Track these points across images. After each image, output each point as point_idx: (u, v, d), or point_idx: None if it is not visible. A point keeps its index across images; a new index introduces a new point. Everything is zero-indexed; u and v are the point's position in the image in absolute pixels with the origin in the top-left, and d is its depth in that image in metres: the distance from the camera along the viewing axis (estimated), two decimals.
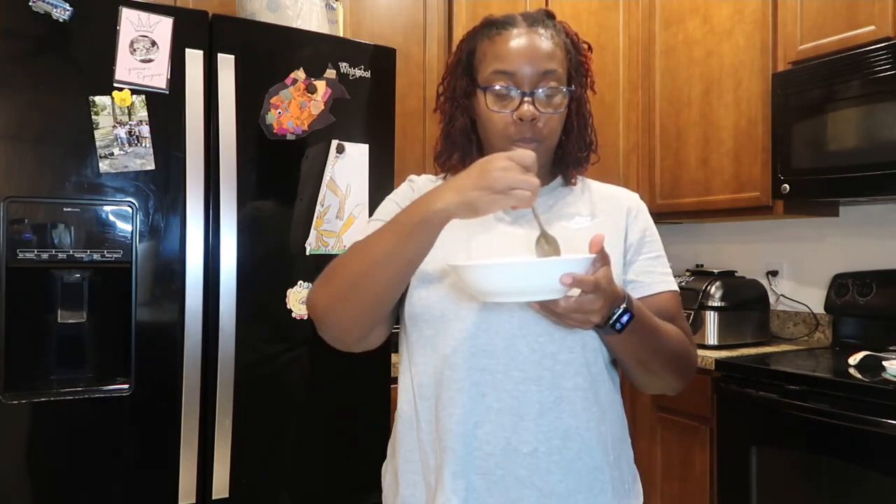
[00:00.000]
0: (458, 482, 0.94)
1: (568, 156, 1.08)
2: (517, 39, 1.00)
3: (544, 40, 1.00)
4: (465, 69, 1.05)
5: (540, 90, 0.98)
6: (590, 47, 1.09)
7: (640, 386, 1.05)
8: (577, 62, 1.05)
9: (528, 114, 0.97)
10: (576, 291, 0.81)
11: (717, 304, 2.41)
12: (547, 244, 0.90)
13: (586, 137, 1.08)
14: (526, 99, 0.98)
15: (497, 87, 0.99)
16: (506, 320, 0.96)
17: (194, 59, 1.72)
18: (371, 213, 1.93)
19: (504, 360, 0.95)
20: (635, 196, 1.13)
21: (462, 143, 1.07)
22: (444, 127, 1.09)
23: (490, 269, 0.81)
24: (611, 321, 0.87)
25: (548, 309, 0.83)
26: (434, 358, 0.99)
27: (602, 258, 0.83)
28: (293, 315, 1.85)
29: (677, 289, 1.07)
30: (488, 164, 0.83)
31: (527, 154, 0.82)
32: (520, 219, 1.05)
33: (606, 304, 0.83)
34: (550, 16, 1.06)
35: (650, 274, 1.04)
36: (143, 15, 1.68)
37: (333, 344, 1.02)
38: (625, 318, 0.87)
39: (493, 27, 1.03)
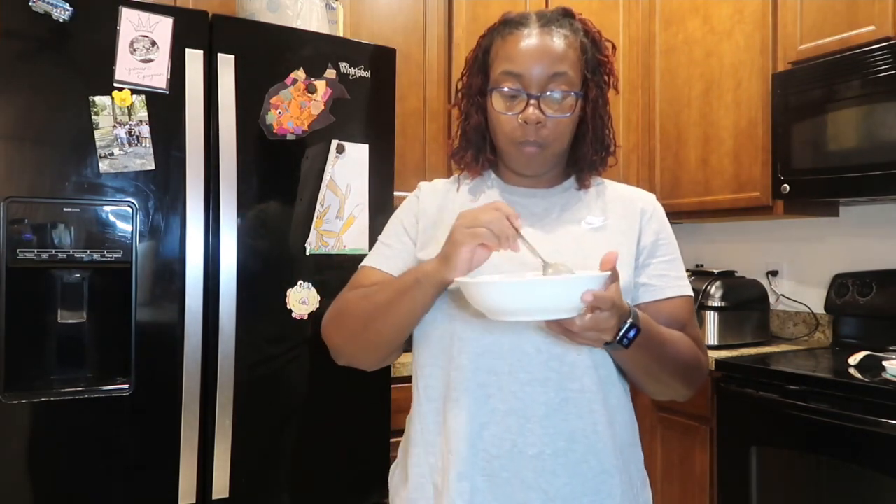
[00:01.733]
0: (463, 484, 0.94)
1: (582, 159, 1.05)
2: (528, 40, 0.97)
3: (556, 41, 0.97)
4: (480, 67, 1.04)
5: (548, 93, 0.96)
6: (614, 47, 1.06)
7: (648, 394, 1.05)
8: (595, 62, 1.02)
9: (533, 117, 0.96)
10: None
11: (717, 304, 2.41)
12: (552, 271, 0.86)
13: (604, 139, 1.05)
14: (532, 102, 0.96)
15: (504, 89, 0.98)
16: (512, 321, 0.93)
17: (194, 59, 1.72)
18: (371, 213, 1.95)
19: (510, 360, 0.95)
20: (651, 197, 1.10)
21: (476, 141, 1.06)
22: (461, 124, 1.08)
23: (504, 287, 0.78)
24: (618, 337, 0.85)
25: (559, 327, 0.81)
26: (441, 359, 0.99)
27: (613, 274, 0.82)
28: (293, 315, 1.85)
29: (691, 294, 1.05)
30: (455, 221, 0.88)
31: (495, 205, 0.86)
32: (536, 222, 1.04)
33: (618, 321, 0.83)
34: (568, 14, 1.03)
35: (663, 278, 1.03)
36: (143, 15, 1.67)
37: (349, 366, 1.07)
38: (631, 334, 0.85)
39: (507, 26, 1.01)
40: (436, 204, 1.08)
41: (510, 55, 0.98)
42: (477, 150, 1.06)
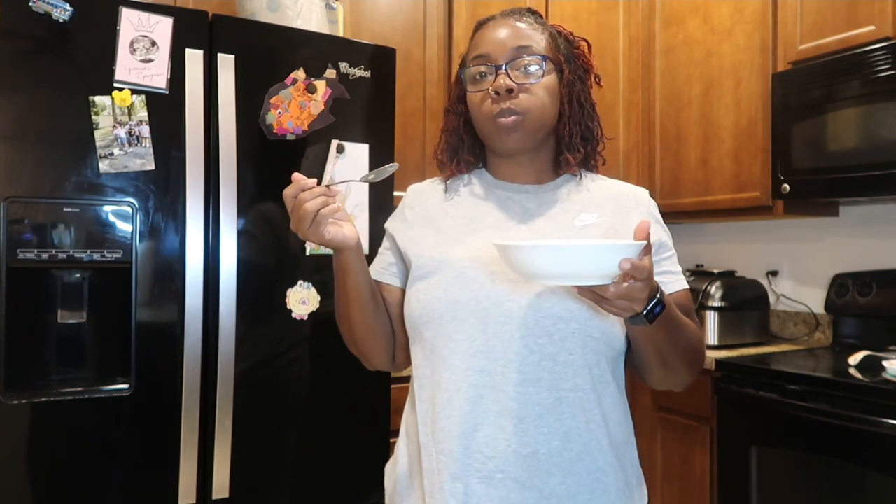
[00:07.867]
0: (457, 485, 0.94)
1: (560, 141, 1.07)
2: (493, 27, 1.06)
3: (519, 24, 1.05)
4: (459, 76, 1.11)
5: (515, 60, 1.02)
6: (589, 46, 1.11)
7: (651, 382, 1.04)
8: (570, 54, 1.08)
9: (503, 85, 1.00)
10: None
11: (717, 304, 2.41)
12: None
13: (581, 122, 1.07)
14: (500, 72, 1.01)
15: (474, 70, 1.04)
16: (503, 322, 0.95)
17: (194, 59, 1.72)
18: (371, 214, 1.95)
19: (502, 361, 0.95)
20: (644, 194, 1.10)
21: (452, 143, 1.12)
22: (441, 129, 1.14)
23: (543, 250, 0.80)
24: (645, 311, 0.86)
25: (591, 294, 0.81)
26: (433, 360, 0.99)
27: (647, 245, 0.82)
28: (293, 315, 1.85)
29: (688, 286, 1.07)
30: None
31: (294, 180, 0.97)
32: (528, 218, 1.05)
33: (649, 293, 0.83)
34: (532, 12, 1.10)
35: (660, 275, 1.01)
36: (143, 15, 1.67)
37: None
38: (657, 309, 0.86)
39: (476, 28, 1.09)
40: (420, 204, 1.12)
41: (477, 43, 1.06)
42: (452, 150, 1.12)
